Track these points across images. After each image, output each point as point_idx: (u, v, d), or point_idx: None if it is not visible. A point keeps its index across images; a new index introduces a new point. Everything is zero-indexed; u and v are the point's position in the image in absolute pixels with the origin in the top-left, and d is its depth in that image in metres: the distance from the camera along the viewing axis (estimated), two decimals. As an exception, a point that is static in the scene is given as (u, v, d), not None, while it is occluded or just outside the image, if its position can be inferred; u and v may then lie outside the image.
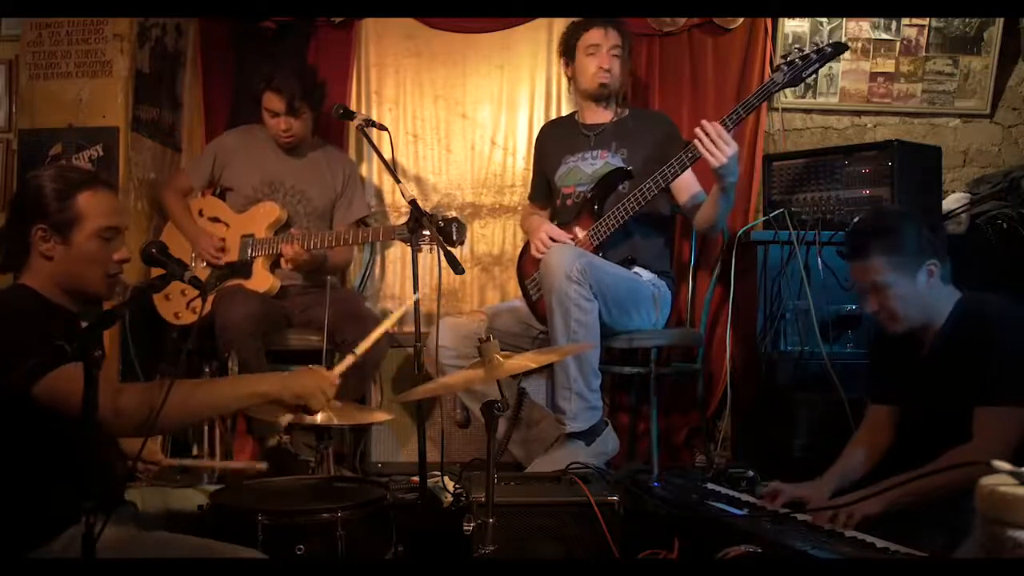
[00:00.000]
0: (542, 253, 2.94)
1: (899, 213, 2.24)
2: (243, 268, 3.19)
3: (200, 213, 3.32)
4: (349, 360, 1.98)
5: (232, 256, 3.22)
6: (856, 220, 2.30)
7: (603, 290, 2.75)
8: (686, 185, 3.03)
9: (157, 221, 3.46)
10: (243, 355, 2.93)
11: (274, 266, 3.21)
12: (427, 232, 2.53)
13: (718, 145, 2.68)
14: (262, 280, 3.17)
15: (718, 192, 2.84)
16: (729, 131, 2.73)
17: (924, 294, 2.09)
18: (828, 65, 3.06)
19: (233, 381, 1.91)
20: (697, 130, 2.72)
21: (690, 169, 2.88)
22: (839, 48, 2.81)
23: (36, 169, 1.82)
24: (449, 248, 2.51)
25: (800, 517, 2.02)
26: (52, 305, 1.76)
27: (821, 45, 2.81)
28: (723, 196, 2.84)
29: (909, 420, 2.21)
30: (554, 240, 2.95)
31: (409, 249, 2.53)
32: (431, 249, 2.58)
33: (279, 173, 3.31)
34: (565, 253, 2.76)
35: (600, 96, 3.15)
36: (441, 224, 2.58)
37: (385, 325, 2.07)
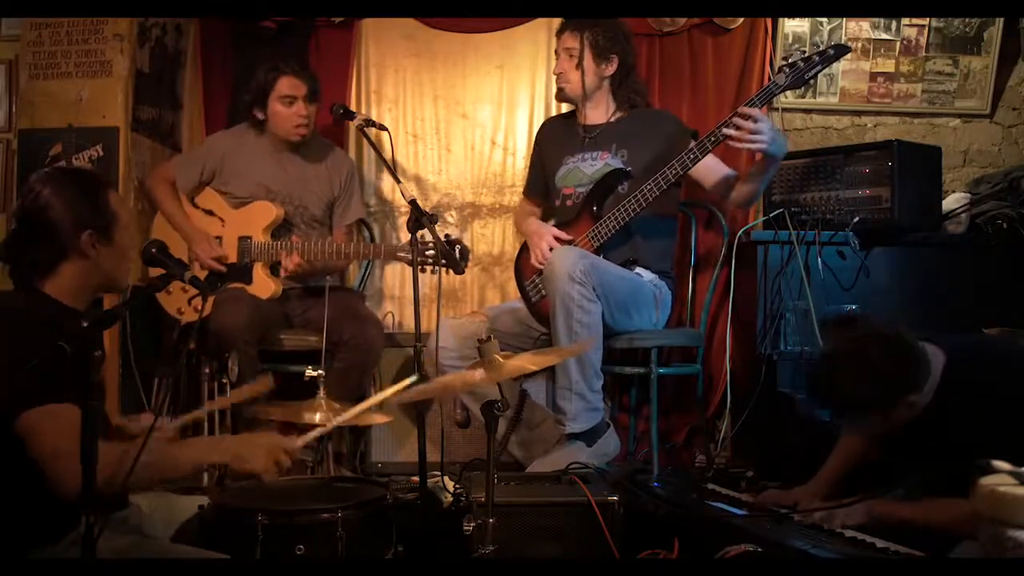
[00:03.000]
0: (541, 264, 2.93)
1: (869, 346, 1.89)
2: (243, 272, 3.15)
3: (194, 203, 3.26)
4: (316, 433, 1.91)
5: (230, 257, 3.18)
6: (851, 233, 2.06)
7: (606, 291, 2.75)
8: (713, 167, 2.98)
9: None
10: (241, 360, 2.92)
11: (274, 270, 3.17)
12: (428, 254, 2.56)
13: (757, 131, 2.63)
14: (264, 287, 3.13)
15: (763, 167, 2.80)
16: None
17: (905, 417, 1.94)
18: (829, 66, 3.06)
19: (182, 448, 1.75)
20: (729, 131, 2.66)
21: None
22: (842, 50, 2.80)
23: (45, 178, 1.79)
24: (451, 268, 2.54)
25: (798, 517, 2.03)
26: (69, 310, 1.76)
27: (824, 47, 2.79)
28: (770, 169, 2.80)
29: (894, 453, 2.16)
30: (553, 249, 2.93)
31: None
32: (433, 271, 2.60)
33: (275, 181, 3.23)
34: (569, 254, 2.75)
35: (560, 99, 3.26)
36: (445, 246, 2.57)
37: (379, 396, 2.02)
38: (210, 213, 3.25)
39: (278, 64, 3.18)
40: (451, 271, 2.55)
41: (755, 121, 2.64)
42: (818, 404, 2.06)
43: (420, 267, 2.51)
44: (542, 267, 2.91)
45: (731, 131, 2.67)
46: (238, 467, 1.70)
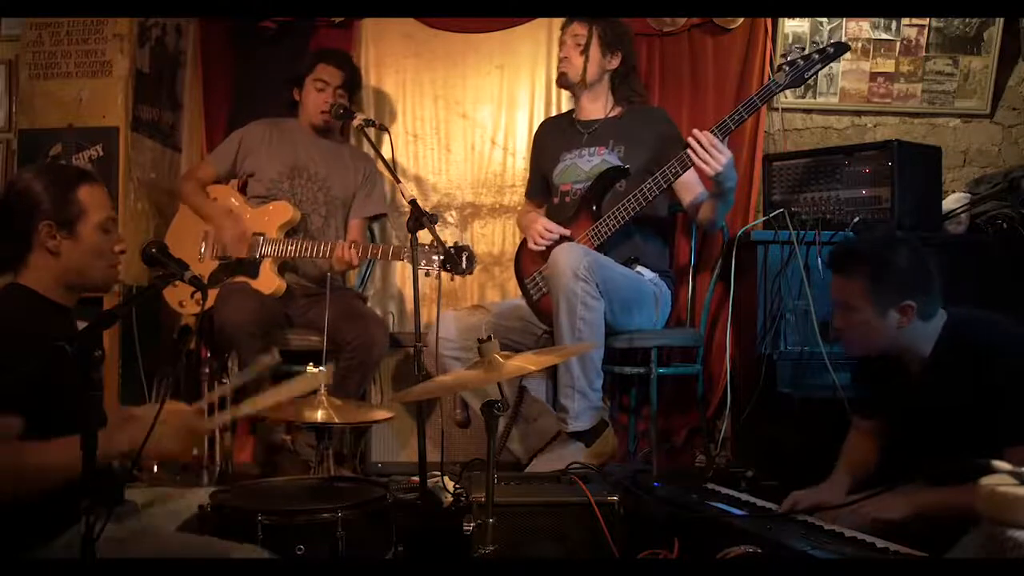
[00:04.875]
0: (539, 245, 2.94)
1: (893, 241, 2.10)
2: (251, 266, 3.19)
3: (214, 201, 3.30)
4: (227, 416, 1.90)
5: (241, 252, 3.19)
6: (852, 233, 2.21)
7: (609, 288, 2.76)
8: (688, 185, 3.02)
9: (157, 221, 3.45)
10: (243, 355, 2.93)
11: (281, 268, 3.20)
12: (435, 257, 2.57)
13: (711, 154, 2.69)
14: (268, 281, 3.15)
15: (715, 197, 2.85)
16: (724, 138, 2.73)
17: (892, 331, 2.01)
18: (828, 65, 3.06)
19: (64, 446, 1.55)
20: (690, 139, 2.72)
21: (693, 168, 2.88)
22: (841, 48, 2.81)
23: (23, 170, 1.81)
24: (455, 275, 2.55)
25: (800, 517, 2.02)
26: (49, 302, 1.76)
27: (823, 45, 2.80)
28: (720, 201, 2.86)
29: (903, 436, 2.15)
30: (550, 231, 2.94)
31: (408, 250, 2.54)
32: (437, 275, 2.61)
33: (303, 160, 3.33)
34: (572, 251, 2.76)
35: (561, 85, 3.26)
36: (452, 251, 2.60)
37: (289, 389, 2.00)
38: (227, 212, 3.28)
39: (323, 52, 3.43)
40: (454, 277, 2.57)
41: (716, 150, 2.68)
42: (829, 264, 2.14)
43: (425, 272, 2.53)
44: (540, 249, 2.92)
45: (693, 143, 2.71)
46: (155, 452, 1.62)
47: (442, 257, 2.56)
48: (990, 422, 1.87)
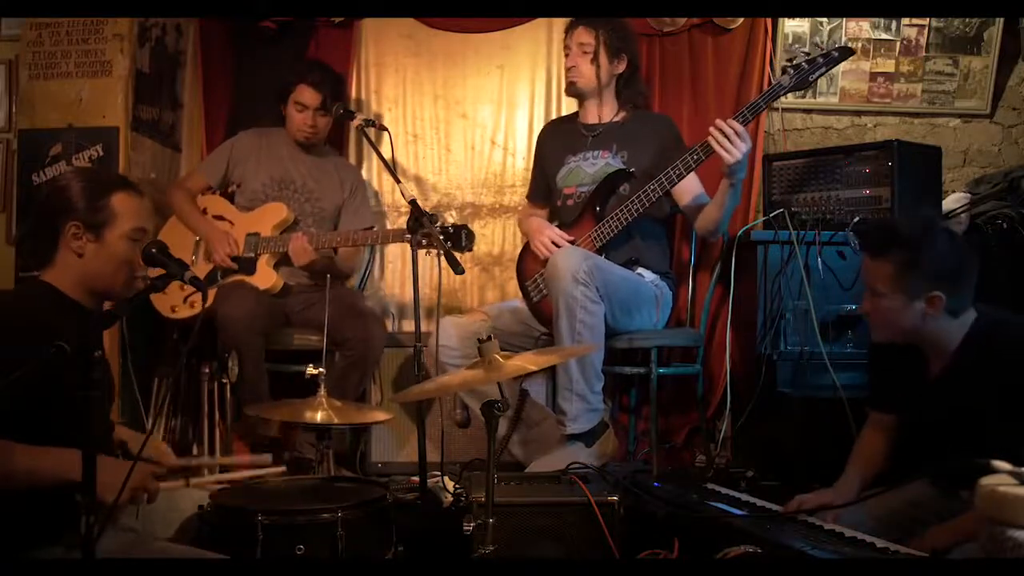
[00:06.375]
0: (546, 254, 2.93)
1: (932, 228, 1.99)
2: (247, 264, 3.20)
3: (204, 212, 3.32)
4: (179, 484, 1.85)
5: (236, 252, 3.22)
6: (851, 233, 2.17)
7: (609, 292, 2.76)
8: (689, 187, 3.02)
9: (157, 221, 3.45)
10: (244, 352, 2.93)
11: (278, 265, 3.22)
12: (429, 236, 2.53)
13: (733, 142, 2.69)
14: (266, 277, 3.17)
15: (727, 189, 2.84)
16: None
17: (918, 320, 1.96)
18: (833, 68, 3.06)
19: (48, 457, 1.60)
20: (713, 129, 2.72)
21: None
22: (846, 53, 2.82)
23: (68, 170, 1.84)
24: (455, 252, 2.52)
25: (800, 517, 2.02)
26: (70, 301, 1.77)
27: (828, 48, 2.81)
28: (731, 193, 2.84)
29: (915, 434, 2.14)
30: (556, 244, 2.94)
31: (409, 248, 2.53)
32: (431, 253, 2.59)
33: (290, 172, 3.35)
34: (572, 255, 2.76)
35: (571, 94, 3.23)
36: (451, 231, 2.59)
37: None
38: (220, 219, 3.31)
39: (304, 70, 3.35)
40: (453, 272, 2.55)
41: (740, 137, 2.69)
42: (862, 245, 2.09)
43: (421, 244, 2.50)
44: (546, 256, 2.91)
45: (716, 131, 2.71)
46: (100, 492, 1.49)
47: (442, 236, 2.53)
48: (1010, 426, 1.82)
